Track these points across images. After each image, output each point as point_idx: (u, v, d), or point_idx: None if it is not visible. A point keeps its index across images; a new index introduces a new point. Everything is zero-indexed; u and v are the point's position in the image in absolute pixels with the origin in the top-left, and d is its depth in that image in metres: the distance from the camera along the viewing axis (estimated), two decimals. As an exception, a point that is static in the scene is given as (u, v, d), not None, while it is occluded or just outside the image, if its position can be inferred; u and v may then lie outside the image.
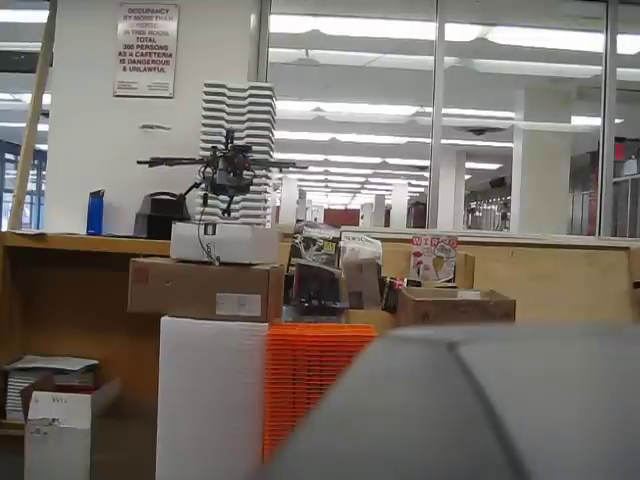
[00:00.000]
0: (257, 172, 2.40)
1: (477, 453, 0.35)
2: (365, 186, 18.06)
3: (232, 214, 2.34)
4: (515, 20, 4.88)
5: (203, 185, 2.22)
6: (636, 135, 7.85)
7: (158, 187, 2.86)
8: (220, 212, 2.51)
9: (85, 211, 2.97)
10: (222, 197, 2.30)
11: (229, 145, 2.22)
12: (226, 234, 1.97)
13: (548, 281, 3.12)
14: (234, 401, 1.91)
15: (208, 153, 2.32)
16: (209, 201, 2.20)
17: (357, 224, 14.74)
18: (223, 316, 1.92)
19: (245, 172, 2.19)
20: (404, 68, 5.71)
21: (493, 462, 0.33)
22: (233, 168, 2.14)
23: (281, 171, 2.71)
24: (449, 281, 2.82)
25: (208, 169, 2.18)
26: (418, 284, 2.74)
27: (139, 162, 2.42)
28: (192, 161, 2.37)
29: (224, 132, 2.47)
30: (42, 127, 3.21)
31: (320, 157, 12.07)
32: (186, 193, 2.30)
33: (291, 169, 2.48)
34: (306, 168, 2.19)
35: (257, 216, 2.75)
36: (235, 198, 2.31)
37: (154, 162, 2.36)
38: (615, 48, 3.86)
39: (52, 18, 3.18)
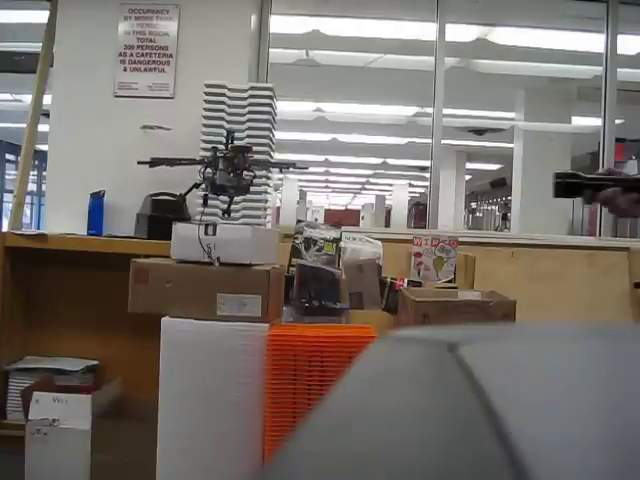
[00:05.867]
0: (257, 172, 2.40)
1: (478, 454, 0.35)
2: (366, 186, 18.06)
3: (232, 214, 2.34)
4: (515, 20, 4.88)
5: (203, 186, 2.22)
6: (637, 136, 7.85)
7: (158, 188, 2.86)
8: (220, 212, 2.52)
9: (85, 212, 2.97)
10: (222, 197, 2.30)
11: (229, 145, 2.22)
12: (226, 234, 1.97)
13: (549, 281, 3.12)
14: (234, 401, 1.91)
15: (209, 153, 2.32)
16: (209, 201, 2.20)
17: (357, 224, 14.73)
18: (223, 317, 1.92)
19: (245, 172, 2.19)
20: (404, 68, 5.71)
21: (494, 463, 0.33)
22: (233, 168, 2.14)
23: (281, 172, 2.71)
24: (449, 281, 2.82)
25: (208, 169, 2.18)
26: (418, 284, 2.73)
27: (139, 162, 2.42)
28: (192, 162, 2.37)
29: (224, 132, 2.47)
30: (42, 127, 3.22)
31: (320, 158, 12.07)
32: (186, 193, 2.31)
33: (291, 169, 2.48)
34: (306, 169, 2.18)
35: (257, 216, 2.75)
36: (236, 198, 2.31)
37: (154, 162, 2.37)
38: (615, 48, 3.86)
39: (52, 18, 3.18)
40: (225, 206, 2.26)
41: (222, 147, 2.26)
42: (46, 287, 3.00)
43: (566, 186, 1.63)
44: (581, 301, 3.03)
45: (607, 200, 1.56)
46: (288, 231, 2.76)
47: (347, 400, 0.48)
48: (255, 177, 2.30)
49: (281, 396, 1.85)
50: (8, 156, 11.71)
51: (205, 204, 2.12)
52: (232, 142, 2.25)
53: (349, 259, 2.56)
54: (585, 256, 3.24)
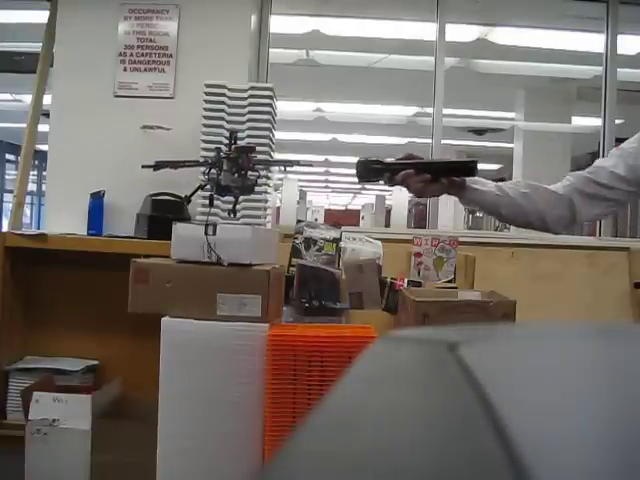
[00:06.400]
0: (261, 172, 2.40)
1: (478, 453, 0.35)
2: (366, 186, 18.05)
3: (233, 214, 2.34)
4: (515, 20, 4.88)
5: (208, 186, 2.21)
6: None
7: (159, 188, 2.86)
8: (221, 212, 2.52)
9: (85, 212, 2.97)
10: (226, 198, 2.30)
11: (232, 146, 2.22)
12: (227, 234, 1.97)
13: (549, 281, 3.12)
14: (234, 401, 1.91)
15: (209, 153, 2.32)
16: (209, 202, 2.20)
17: (357, 224, 14.72)
18: (224, 316, 1.92)
19: (250, 172, 2.19)
20: (405, 68, 5.71)
21: (494, 462, 0.33)
22: (238, 169, 2.14)
23: (285, 170, 2.71)
24: (449, 281, 2.82)
25: (213, 170, 2.18)
26: (418, 284, 2.73)
27: (144, 166, 2.41)
28: (196, 163, 2.37)
29: (225, 132, 2.47)
30: (42, 127, 3.22)
31: (320, 157, 12.06)
32: (191, 195, 2.30)
33: (292, 169, 2.49)
34: (311, 165, 2.20)
35: (258, 216, 2.76)
36: (236, 199, 2.31)
37: (159, 166, 2.36)
38: (615, 48, 3.86)
39: (52, 18, 3.18)
40: (227, 206, 2.26)
41: (225, 148, 2.26)
42: (46, 287, 3.00)
43: (369, 170, 1.75)
44: (581, 301, 3.03)
45: (403, 181, 1.69)
46: (288, 231, 2.76)
47: (347, 400, 0.48)
48: (260, 177, 2.30)
49: (281, 396, 1.85)
50: (8, 156, 11.70)
51: (211, 205, 2.13)
52: (235, 142, 2.25)
53: (349, 259, 2.56)
54: (585, 256, 3.24)
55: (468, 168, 1.75)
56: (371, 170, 1.76)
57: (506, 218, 1.83)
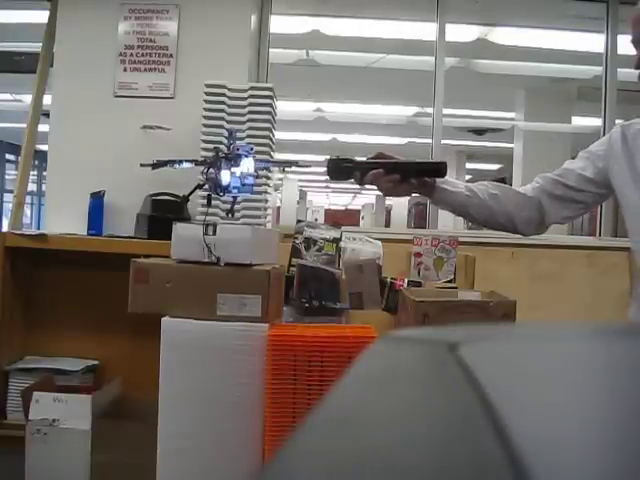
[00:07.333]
0: (259, 172, 2.40)
1: (478, 453, 0.35)
2: (366, 186, 18.02)
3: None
4: (515, 20, 4.88)
5: (206, 186, 2.22)
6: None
7: (159, 187, 2.86)
8: (221, 212, 2.52)
9: (85, 212, 2.97)
10: (224, 198, 2.30)
11: (231, 146, 2.22)
12: (227, 234, 1.97)
13: (549, 282, 3.12)
14: (234, 401, 1.91)
15: (209, 153, 2.31)
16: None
17: (357, 224, 14.72)
18: (224, 316, 1.92)
19: (248, 172, 2.19)
20: (405, 68, 5.71)
21: (494, 462, 0.33)
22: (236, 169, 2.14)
23: (283, 171, 2.71)
24: (449, 281, 2.82)
25: (211, 170, 2.18)
26: (419, 284, 2.73)
27: (142, 165, 2.42)
28: (195, 162, 2.37)
29: (225, 132, 2.47)
30: (42, 127, 3.22)
31: (321, 158, 12.06)
32: (189, 194, 2.30)
33: (292, 169, 2.49)
34: (309, 167, 2.22)
35: (258, 216, 2.75)
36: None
37: (157, 165, 2.36)
38: (615, 48, 3.86)
39: (52, 18, 3.18)
40: (228, 206, 2.26)
41: (224, 147, 2.26)
42: (46, 287, 3.00)
43: (340, 169, 1.76)
44: (581, 301, 3.03)
45: (372, 181, 1.71)
46: (288, 231, 2.76)
47: (347, 400, 0.48)
48: (258, 177, 2.30)
49: (281, 396, 1.85)
50: (8, 156, 11.69)
51: (209, 204, 2.12)
52: (234, 142, 2.25)
53: (349, 259, 2.56)
54: (585, 256, 3.24)
55: (438, 169, 1.76)
56: (342, 169, 1.76)
57: (476, 219, 1.83)
